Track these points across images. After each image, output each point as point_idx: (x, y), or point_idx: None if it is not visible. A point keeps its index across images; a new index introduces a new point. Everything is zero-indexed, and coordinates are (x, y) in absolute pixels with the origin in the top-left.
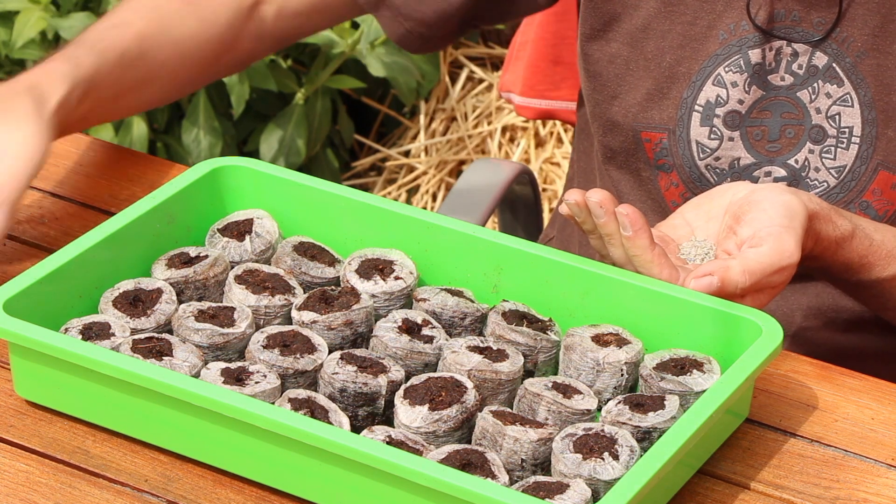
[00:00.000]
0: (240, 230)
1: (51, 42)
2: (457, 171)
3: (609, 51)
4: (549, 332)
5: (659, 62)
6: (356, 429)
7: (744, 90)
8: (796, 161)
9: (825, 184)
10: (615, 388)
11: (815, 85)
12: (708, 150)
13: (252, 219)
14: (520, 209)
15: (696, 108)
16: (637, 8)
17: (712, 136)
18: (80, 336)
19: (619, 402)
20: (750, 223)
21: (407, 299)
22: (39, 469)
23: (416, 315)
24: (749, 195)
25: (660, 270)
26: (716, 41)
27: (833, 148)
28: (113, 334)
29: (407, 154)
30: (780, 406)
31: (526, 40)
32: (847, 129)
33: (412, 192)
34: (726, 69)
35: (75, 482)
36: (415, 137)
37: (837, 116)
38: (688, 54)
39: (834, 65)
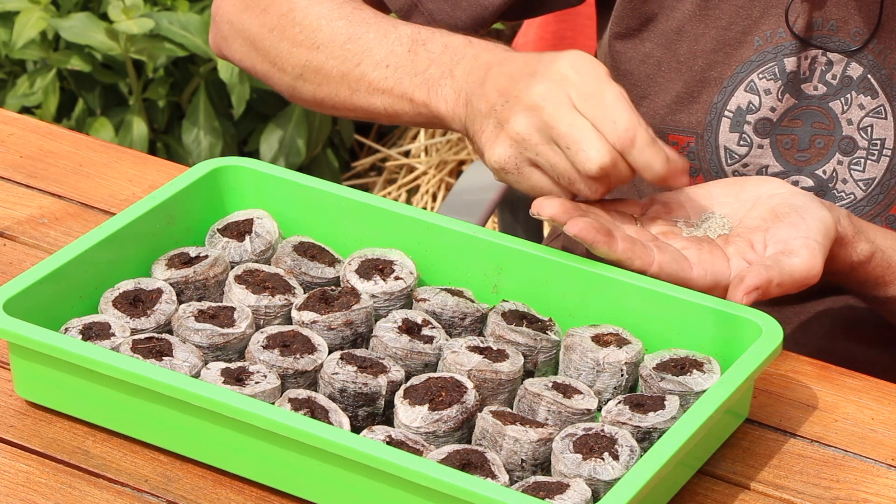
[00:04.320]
0: (240, 230)
1: (51, 42)
2: (457, 171)
3: (642, 50)
4: (549, 332)
5: (691, 65)
6: (356, 429)
7: (777, 98)
8: (824, 172)
9: (852, 196)
10: (615, 388)
11: (849, 96)
12: (736, 156)
13: (252, 219)
14: (520, 209)
15: (727, 113)
16: (673, 9)
17: (742, 142)
18: (80, 336)
19: (619, 402)
20: (788, 227)
21: (407, 299)
22: (39, 469)
23: (416, 315)
24: (790, 197)
25: (630, 263)
26: (750, 47)
27: (863, 160)
28: (113, 334)
29: (407, 154)
30: (780, 406)
31: (526, 41)
32: (879, 142)
33: (412, 192)
34: (760, 76)
35: (75, 482)
36: (415, 137)
37: (870, 128)
38: (720, 59)
39: (869, 76)
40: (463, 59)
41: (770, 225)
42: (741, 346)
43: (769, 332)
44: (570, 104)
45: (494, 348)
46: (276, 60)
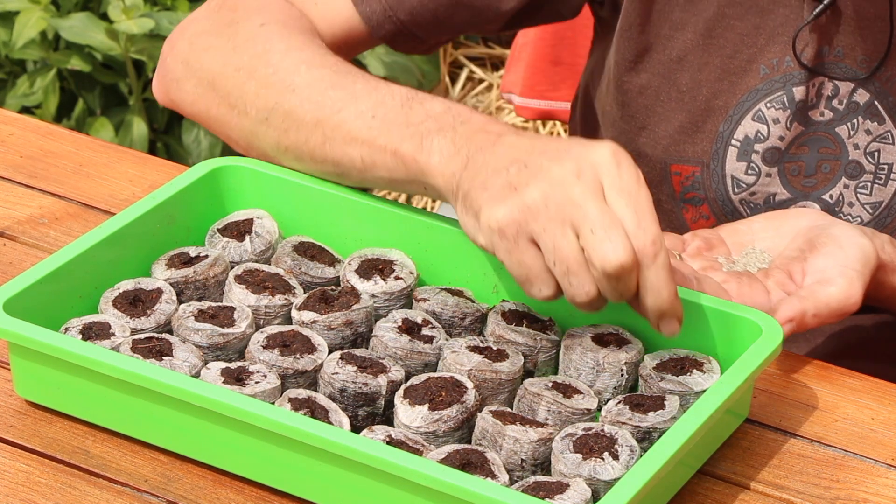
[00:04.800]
0: (240, 230)
1: (51, 42)
2: None
3: (639, 82)
4: (549, 332)
5: (694, 95)
6: (356, 429)
7: (785, 127)
8: (830, 196)
9: (858, 219)
10: (615, 388)
11: (855, 121)
12: (744, 185)
13: (252, 219)
14: None
15: (734, 142)
16: (671, 39)
17: (749, 171)
18: (80, 336)
19: (619, 402)
20: (825, 256)
21: (407, 299)
22: (39, 469)
23: (416, 315)
24: (829, 227)
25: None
26: (756, 76)
27: (869, 184)
28: (113, 334)
29: None
30: (780, 406)
31: (526, 41)
32: (886, 166)
33: None
34: (768, 105)
35: (75, 482)
36: None
37: (877, 153)
38: (725, 88)
39: (876, 102)
40: (469, 121)
41: (808, 255)
42: (741, 346)
43: (769, 332)
44: (601, 192)
45: (494, 348)
46: (237, 102)
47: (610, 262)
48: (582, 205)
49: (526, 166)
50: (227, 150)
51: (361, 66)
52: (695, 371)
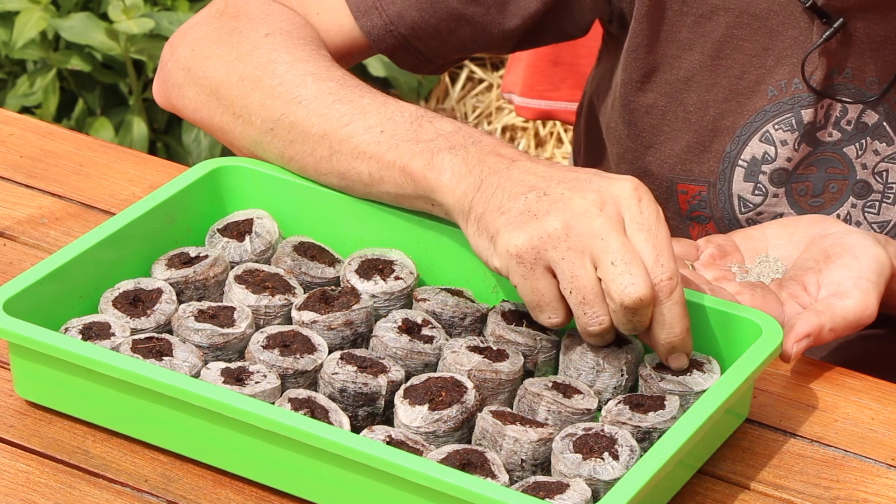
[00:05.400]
0: (240, 230)
1: (51, 42)
2: None
3: (646, 101)
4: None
5: (701, 115)
6: (356, 429)
7: (793, 148)
8: (838, 215)
9: None
10: (615, 388)
11: (863, 141)
12: (751, 205)
13: (252, 219)
14: None
15: (741, 163)
16: (678, 59)
17: (756, 192)
18: (80, 336)
19: (619, 402)
20: (840, 268)
21: (407, 299)
22: (39, 469)
23: (416, 315)
24: (843, 236)
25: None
26: (764, 97)
27: (877, 203)
28: (113, 334)
29: None
30: (780, 406)
31: None
32: (894, 185)
33: None
34: (776, 127)
35: (75, 482)
36: None
37: (885, 173)
38: (733, 108)
39: (884, 123)
40: (480, 142)
41: (823, 266)
42: (741, 346)
43: (769, 332)
44: (622, 226)
45: (494, 348)
46: (242, 111)
47: (629, 295)
48: (604, 237)
49: (546, 194)
50: (228, 150)
51: (362, 66)
52: (695, 371)
